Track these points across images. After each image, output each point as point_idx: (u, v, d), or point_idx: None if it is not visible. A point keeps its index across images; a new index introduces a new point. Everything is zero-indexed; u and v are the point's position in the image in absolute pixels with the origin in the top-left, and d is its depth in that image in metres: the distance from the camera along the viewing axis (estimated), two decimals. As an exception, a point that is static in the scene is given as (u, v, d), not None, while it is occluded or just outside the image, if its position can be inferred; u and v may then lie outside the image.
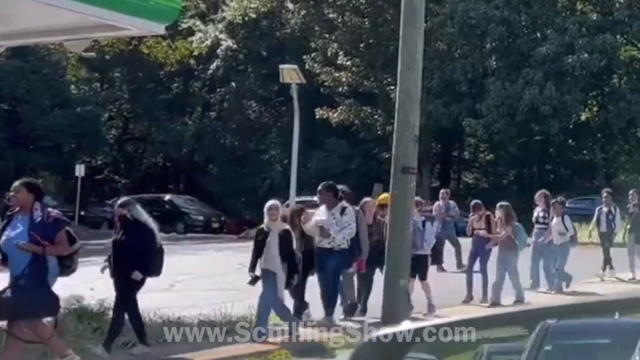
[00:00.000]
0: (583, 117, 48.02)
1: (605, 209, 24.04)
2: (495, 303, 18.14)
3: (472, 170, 58.61)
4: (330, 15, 52.22)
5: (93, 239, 40.61)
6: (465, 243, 24.38)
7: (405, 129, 16.48)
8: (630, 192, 24.49)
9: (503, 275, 18.70)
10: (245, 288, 15.06)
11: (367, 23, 51.72)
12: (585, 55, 42.77)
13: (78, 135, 51.44)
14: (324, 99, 51.99)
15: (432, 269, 19.05)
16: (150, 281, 13.45)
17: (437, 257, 19.41)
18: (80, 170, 47.54)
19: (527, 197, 39.77)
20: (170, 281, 19.40)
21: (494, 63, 47.20)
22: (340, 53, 52.03)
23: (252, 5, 54.92)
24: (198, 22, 58.55)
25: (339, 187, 16.96)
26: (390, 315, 15.81)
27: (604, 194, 24.69)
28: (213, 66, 57.81)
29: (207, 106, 61.01)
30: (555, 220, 20.77)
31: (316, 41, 53.01)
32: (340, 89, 52.41)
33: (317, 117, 50.56)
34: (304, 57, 50.63)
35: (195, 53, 58.52)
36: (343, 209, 15.42)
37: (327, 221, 15.39)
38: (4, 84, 49.25)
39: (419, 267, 17.17)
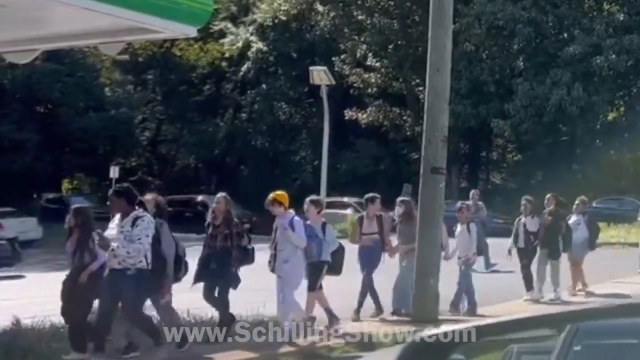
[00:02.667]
0: (610, 117, 47.74)
1: (523, 220, 19.52)
2: (397, 310, 16.27)
3: (500, 171, 58.40)
4: (359, 17, 52.17)
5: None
6: (492, 243, 24.28)
7: (435, 130, 16.45)
8: (547, 196, 20.05)
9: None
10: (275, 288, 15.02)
11: (395, 25, 51.63)
12: (613, 55, 42.53)
13: (112, 137, 51.77)
14: (353, 100, 51.98)
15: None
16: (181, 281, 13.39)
17: (337, 266, 15.34)
18: (114, 171, 47.70)
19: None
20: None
21: (522, 64, 47.00)
22: (369, 54, 52.03)
23: (282, 8, 55.01)
24: (229, 25, 58.78)
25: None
26: (421, 314, 15.81)
27: (523, 202, 19.84)
28: (244, 68, 58.04)
29: (238, 108, 61.10)
30: (459, 228, 17.75)
31: (345, 43, 53.03)
32: (369, 90, 52.37)
33: (346, 118, 50.58)
34: (334, 58, 50.73)
35: (227, 55, 58.75)
36: (135, 220, 11.80)
37: (115, 235, 11.88)
38: (40, 87, 49.56)
39: (310, 276, 14.85)
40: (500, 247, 21.62)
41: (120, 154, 56.23)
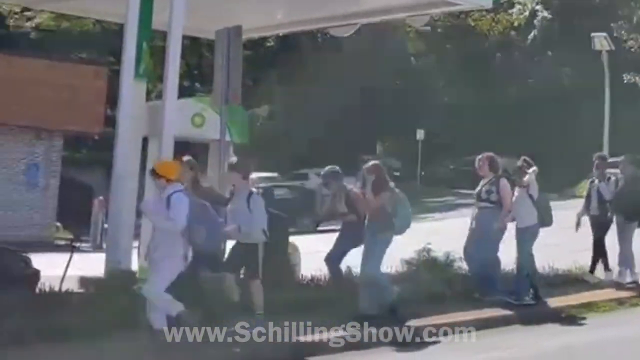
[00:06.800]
0: None
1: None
2: None
3: None
4: (638, -18, 51.29)
5: (432, 197, 43.20)
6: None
7: None
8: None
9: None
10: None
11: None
12: None
13: (418, 103, 53.91)
14: (631, 64, 50.50)
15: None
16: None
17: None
18: (420, 134, 50.84)
19: None
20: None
21: None
22: (646, 19, 50.96)
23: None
24: (517, -6, 59.27)
25: None
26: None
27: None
28: (530, 36, 58.63)
29: (526, 75, 60.20)
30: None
31: (623, 9, 53.08)
32: (646, 54, 52.09)
33: (624, 82, 49.37)
34: (612, 24, 50.39)
35: (515, 24, 59.73)
36: None
37: None
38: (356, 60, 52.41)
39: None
40: None
41: (425, 119, 58.36)
